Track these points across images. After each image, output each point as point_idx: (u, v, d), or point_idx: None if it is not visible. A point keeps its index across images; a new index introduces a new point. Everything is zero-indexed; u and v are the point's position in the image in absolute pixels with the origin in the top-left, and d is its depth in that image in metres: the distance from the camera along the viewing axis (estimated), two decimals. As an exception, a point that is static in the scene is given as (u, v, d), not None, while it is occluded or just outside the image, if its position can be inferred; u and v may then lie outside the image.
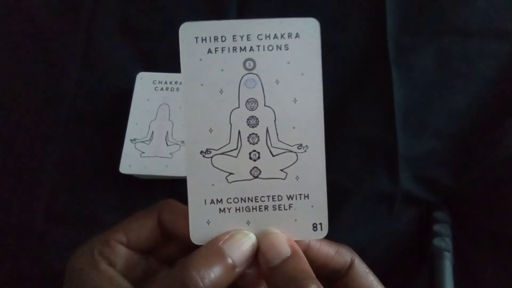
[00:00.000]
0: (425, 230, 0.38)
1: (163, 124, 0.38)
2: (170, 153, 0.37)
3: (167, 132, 0.38)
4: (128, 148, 0.38)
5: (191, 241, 0.22)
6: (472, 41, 0.40)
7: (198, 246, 0.22)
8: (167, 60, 0.43)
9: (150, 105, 0.39)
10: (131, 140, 0.38)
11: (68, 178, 0.41)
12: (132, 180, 0.39)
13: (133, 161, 0.37)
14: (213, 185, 0.22)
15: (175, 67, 0.39)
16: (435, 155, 0.39)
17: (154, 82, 0.39)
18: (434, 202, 0.39)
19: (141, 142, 0.38)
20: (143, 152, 0.38)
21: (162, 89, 0.39)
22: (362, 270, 0.23)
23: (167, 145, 0.38)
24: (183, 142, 0.38)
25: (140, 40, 0.43)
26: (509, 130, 0.38)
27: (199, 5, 0.43)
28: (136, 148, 0.38)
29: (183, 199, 0.24)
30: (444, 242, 0.37)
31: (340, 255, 0.23)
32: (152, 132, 0.38)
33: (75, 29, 0.43)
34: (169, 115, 0.38)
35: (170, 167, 0.37)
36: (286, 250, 0.21)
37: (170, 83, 0.39)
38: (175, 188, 0.39)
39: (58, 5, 0.44)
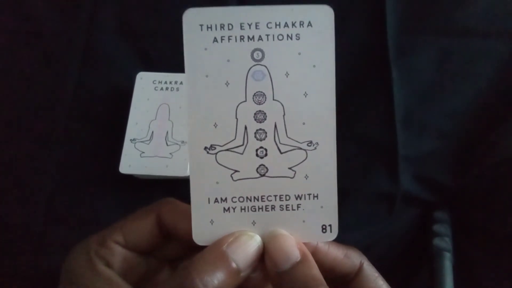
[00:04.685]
0: (425, 230, 0.38)
1: (163, 124, 0.38)
2: (170, 153, 0.37)
3: (167, 132, 0.38)
4: (128, 148, 0.38)
5: (193, 241, 0.21)
6: (472, 41, 0.40)
7: (200, 246, 0.21)
8: (167, 60, 0.42)
9: (150, 105, 0.39)
10: (131, 140, 0.38)
11: (68, 178, 0.41)
12: (132, 180, 0.39)
13: (133, 161, 0.37)
14: (217, 183, 0.21)
15: (175, 67, 0.40)
16: (435, 155, 0.39)
17: (154, 82, 0.39)
18: (434, 202, 0.39)
19: (141, 142, 0.38)
20: (143, 152, 0.38)
21: (162, 89, 0.39)
22: (371, 274, 0.23)
23: (167, 145, 0.38)
24: (183, 142, 0.38)
25: (140, 40, 0.43)
26: (509, 130, 0.38)
27: (199, 5, 0.43)
28: (136, 148, 0.38)
29: (183, 199, 0.24)
30: (444, 242, 0.37)
31: (348, 258, 0.22)
32: (152, 132, 0.38)
33: (75, 29, 0.43)
34: (169, 115, 0.38)
35: (170, 167, 0.37)
36: (295, 255, 0.20)
37: (170, 83, 0.39)
38: (175, 188, 0.39)
39: (58, 5, 0.44)
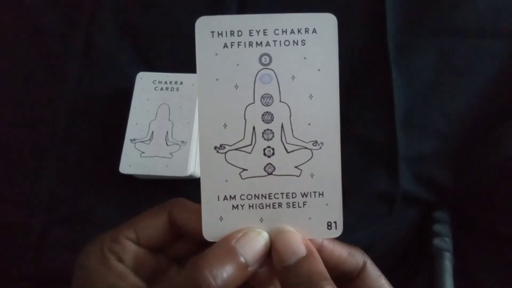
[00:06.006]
0: (425, 230, 0.38)
1: (163, 124, 0.38)
2: (170, 153, 0.37)
3: (167, 132, 0.38)
4: (128, 148, 0.38)
5: (203, 238, 0.22)
6: (472, 41, 0.40)
7: (210, 243, 0.21)
8: (167, 60, 0.43)
9: (150, 105, 0.39)
10: (131, 140, 0.38)
11: (68, 178, 0.41)
12: (132, 180, 0.39)
13: (133, 161, 0.37)
14: (226, 181, 0.22)
15: (175, 67, 0.40)
16: (435, 155, 0.39)
17: (154, 82, 0.39)
18: (434, 202, 0.39)
19: (141, 142, 0.38)
20: (143, 152, 0.38)
21: (162, 89, 0.39)
22: (374, 273, 0.23)
23: (167, 145, 0.38)
24: (183, 142, 0.38)
25: (140, 40, 0.43)
26: (508, 130, 0.38)
27: (199, 5, 0.43)
28: (136, 148, 0.38)
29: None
30: (444, 242, 0.37)
31: (352, 257, 0.23)
32: (152, 132, 0.38)
33: (75, 29, 0.43)
34: (169, 115, 0.38)
35: (170, 167, 0.37)
36: (301, 250, 0.21)
37: (170, 83, 0.39)
38: (175, 188, 0.39)
39: (58, 5, 0.44)
